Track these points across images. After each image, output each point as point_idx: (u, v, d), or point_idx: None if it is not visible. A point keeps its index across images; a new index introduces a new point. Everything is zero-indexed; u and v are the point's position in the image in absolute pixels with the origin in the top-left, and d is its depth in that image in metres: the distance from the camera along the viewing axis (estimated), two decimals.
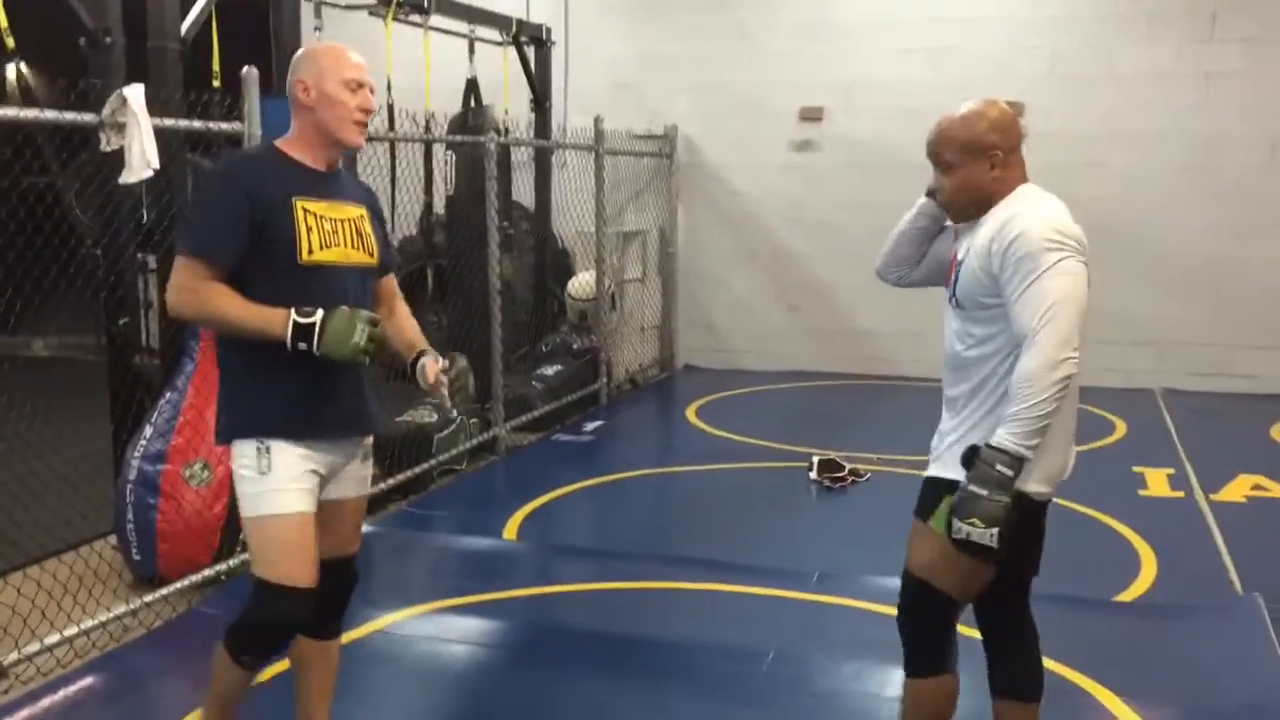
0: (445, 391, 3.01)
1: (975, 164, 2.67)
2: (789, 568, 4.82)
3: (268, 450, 2.75)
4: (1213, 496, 5.89)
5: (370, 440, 3.03)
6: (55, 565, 4.43)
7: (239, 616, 2.88)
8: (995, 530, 2.46)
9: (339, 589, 2.99)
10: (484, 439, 6.77)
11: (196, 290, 2.73)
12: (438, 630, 4.15)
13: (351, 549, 3.03)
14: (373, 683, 3.71)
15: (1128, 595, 4.56)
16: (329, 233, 2.83)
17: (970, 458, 2.56)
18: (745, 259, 9.76)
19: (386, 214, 3.60)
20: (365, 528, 4.79)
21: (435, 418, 6.23)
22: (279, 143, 2.92)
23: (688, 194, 9.82)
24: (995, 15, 8.94)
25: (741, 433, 7.39)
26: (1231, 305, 8.67)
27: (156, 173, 4.13)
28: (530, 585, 4.63)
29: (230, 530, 4.69)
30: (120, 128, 3.99)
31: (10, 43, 4.52)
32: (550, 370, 7.91)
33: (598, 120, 8.32)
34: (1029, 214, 2.58)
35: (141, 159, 3.99)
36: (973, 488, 2.49)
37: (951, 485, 2.61)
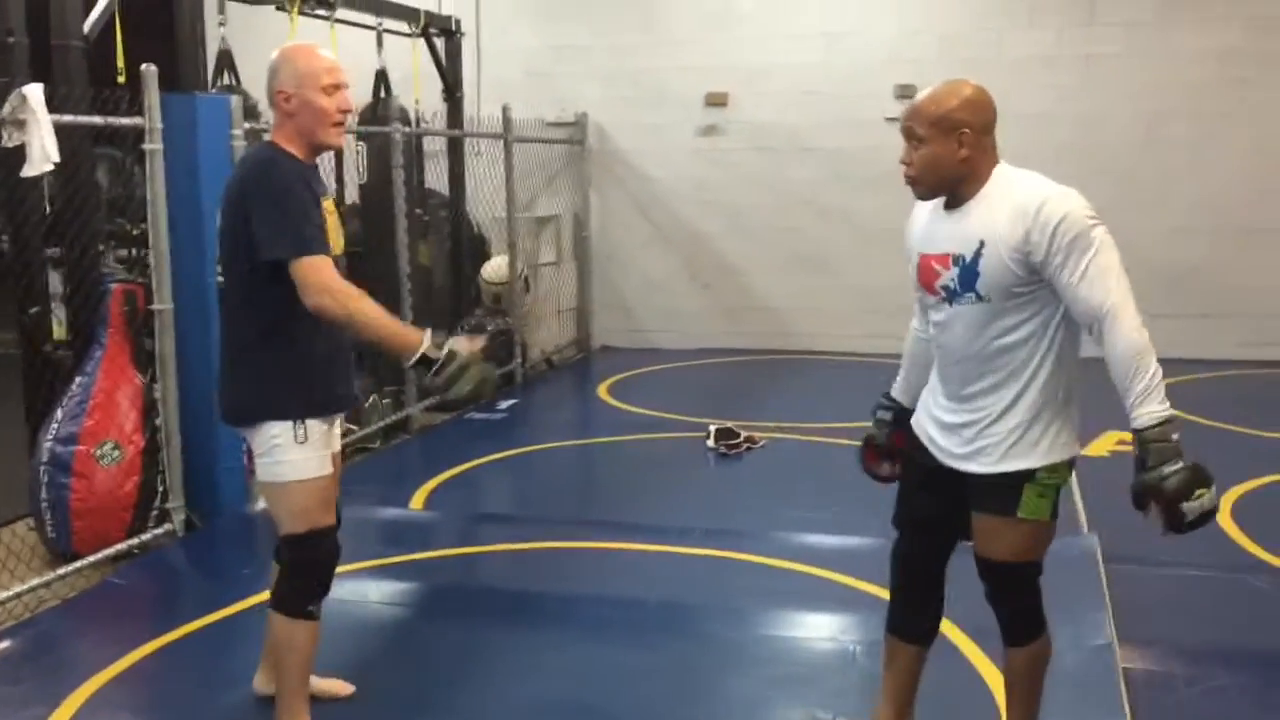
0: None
1: (944, 141, 2.59)
2: (679, 524, 5.14)
3: (303, 423, 3.04)
4: (1081, 452, 6.27)
5: None
6: None
7: (288, 580, 3.12)
8: (1214, 489, 2.42)
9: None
10: (396, 418, 7.02)
11: (337, 288, 2.88)
12: (346, 593, 4.41)
13: (334, 515, 3.24)
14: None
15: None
16: (331, 228, 3.06)
17: (1143, 454, 2.44)
18: (657, 241, 10.07)
19: None
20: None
21: None
22: (279, 144, 3.06)
23: (600, 179, 10.10)
24: (888, 1, 9.30)
25: (650, 407, 7.70)
26: None
27: (59, 166, 4.34)
28: (430, 549, 4.91)
29: (141, 507, 4.93)
30: (21, 124, 4.20)
31: None
32: None
33: (505, 109, 8.58)
34: (1057, 195, 2.54)
35: (42, 153, 4.20)
36: (1168, 468, 2.39)
37: (1030, 475, 2.64)
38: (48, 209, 4.71)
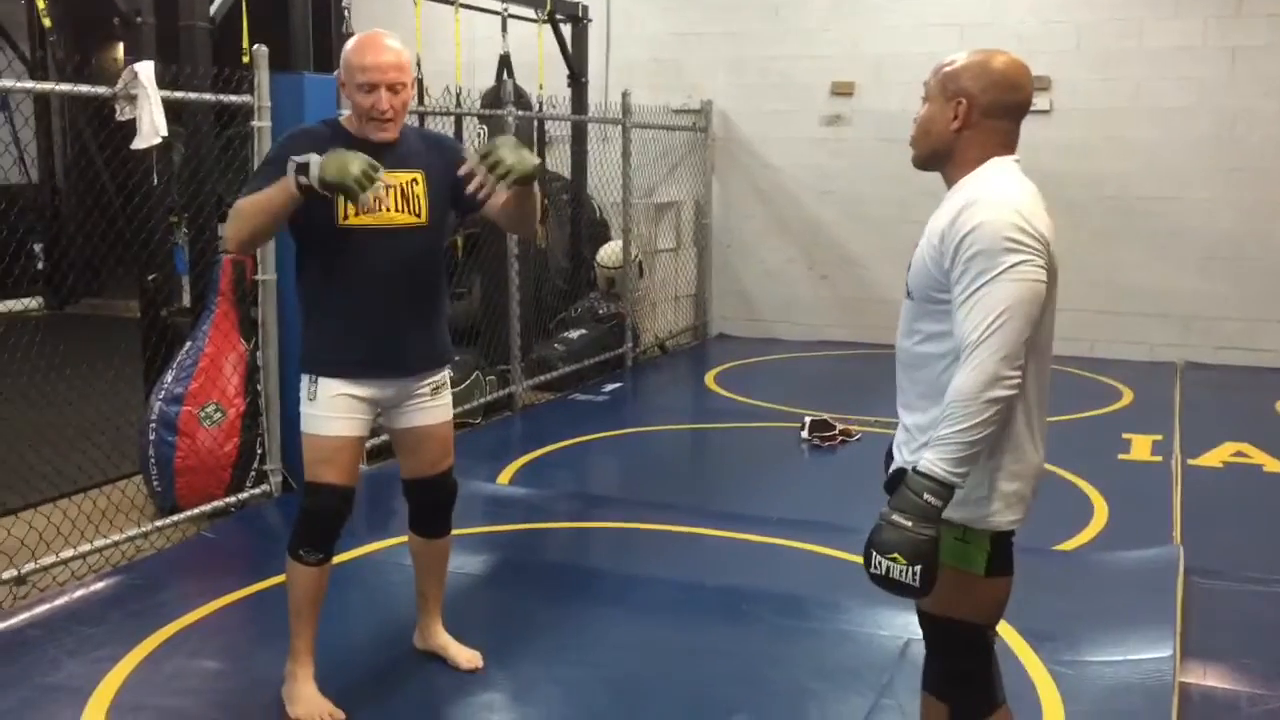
0: (485, 179, 3.07)
1: (942, 104, 2.33)
2: (758, 513, 5.13)
3: (316, 382, 3.24)
4: (1190, 461, 6.05)
5: (437, 377, 3.41)
6: (84, 498, 4.91)
7: (293, 524, 3.34)
8: (919, 567, 2.15)
9: (438, 499, 3.53)
10: (500, 396, 7.18)
11: (232, 213, 3.07)
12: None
13: (441, 467, 3.46)
14: (352, 603, 4.11)
15: (1066, 545, 4.79)
16: (394, 197, 3.16)
17: (895, 482, 2.28)
18: (777, 230, 10.02)
19: None
20: (369, 468, 5.28)
21: (450, 374, 6.65)
22: (342, 119, 3.27)
23: (723, 167, 10.10)
24: None
25: (755, 397, 7.69)
26: (1254, 280, 8.70)
27: (169, 140, 4.59)
28: (507, 523, 5.02)
29: (240, 467, 5.18)
30: (133, 99, 4.45)
31: (48, 22, 5.00)
32: (574, 334, 8.30)
33: (625, 95, 8.65)
34: (992, 202, 2.21)
35: (151, 127, 4.45)
36: (895, 517, 2.17)
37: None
38: (155, 180, 4.97)
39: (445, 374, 3.48)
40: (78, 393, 6.22)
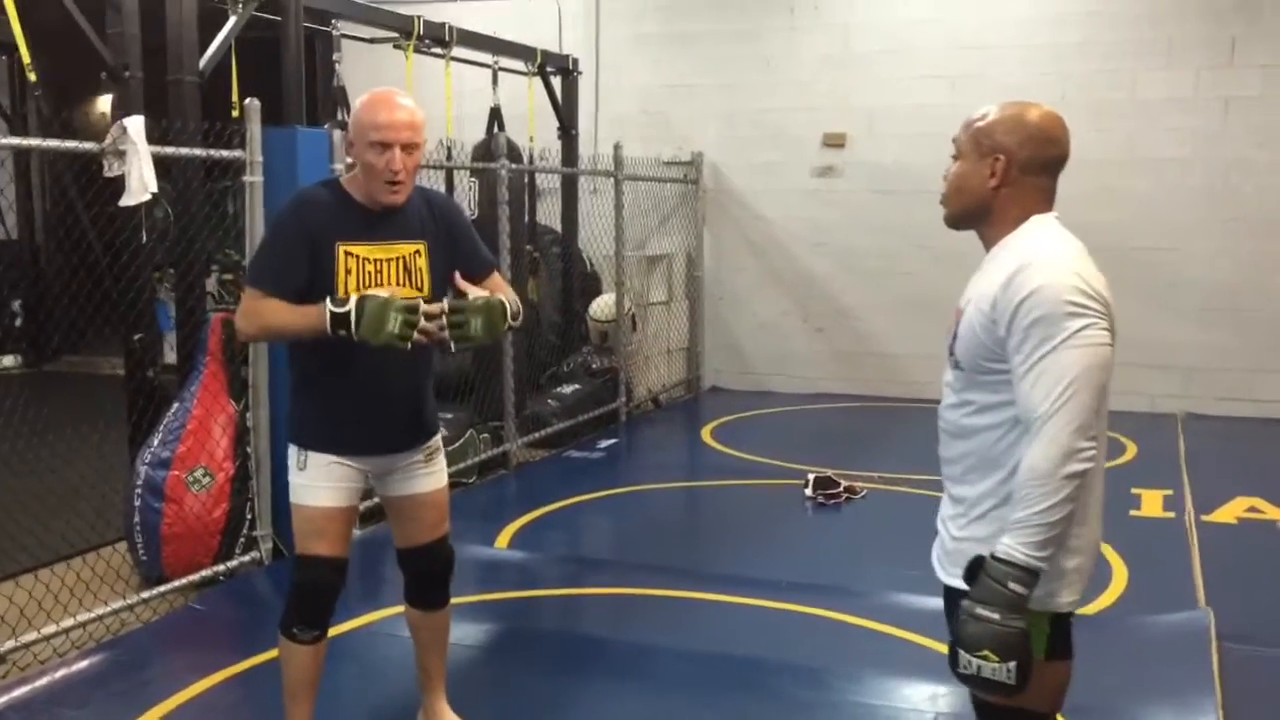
0: (441, 328, 2.98)
1: (977, 161, 2.23)
2: (766, 576, 4.96)
3: (305, 453, 3.11)
4: (1204, 517, 5.92)
5: (430, 443, 3.27)
6: (66, 568, 4.70)
7: (286, 600, 3.20)
8: (1014, 664, 2.00)
9: (434, 568, 3.35)
10: (494, 454, 7.01)
11: (254, 310, 3.01)
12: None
13: (438, 534, 3.30)
14: (346, 678, 3.92)
15: (1089, 610, 4.63)
16: (370, 274, 3.03)
17: (974, 571, 2.10)
18: (771, 282, 9.92)
19: None
20: (361, 533, 5.10)
21: (444, 432, 6.48)
22: (344, 180, 3.14)
23: (714, 219, 10.01)
24: (1014, 43, 9.02)
25: (753, 452, 7.53)
26: (1253, 330, 8.63)
27: (158, 195, 4.45)
28: (508, 590, 4.84)
29: (230, 534, 4.98)
30: (121, 155, 4.31)
31: (33, 77, 4.87)
32: (568, 389, 8.14)
33: (616, 147, 8.57)
34: (1047, 263, 2.10)
35: (140, 183, 4.30)
36: (980, 610, 2.02)
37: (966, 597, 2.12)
38: (144, 238, 4.82)
39: (439, 438, 3.33)
40: (59, 456, 6.03)
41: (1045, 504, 2.02)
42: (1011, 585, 2.02)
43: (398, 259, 3.08)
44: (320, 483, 3.10)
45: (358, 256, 3.03)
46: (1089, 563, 2.21)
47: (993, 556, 2.06)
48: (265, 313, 2.99)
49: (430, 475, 3.28)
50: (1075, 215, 2.41)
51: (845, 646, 4.26)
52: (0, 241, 11.08)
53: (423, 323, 2.92)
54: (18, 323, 10.98)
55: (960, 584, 2.17)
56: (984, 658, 2.01)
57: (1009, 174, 2.20)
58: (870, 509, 6.20)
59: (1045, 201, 2.25)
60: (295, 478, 3.14)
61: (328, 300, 2.91)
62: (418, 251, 3.12)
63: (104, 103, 5.04)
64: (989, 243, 2.29)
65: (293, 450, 3.15)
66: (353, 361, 3.04)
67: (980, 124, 2.25)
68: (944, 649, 2.17)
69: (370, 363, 3.05)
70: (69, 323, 9.05)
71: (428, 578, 3.38)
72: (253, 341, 3.08)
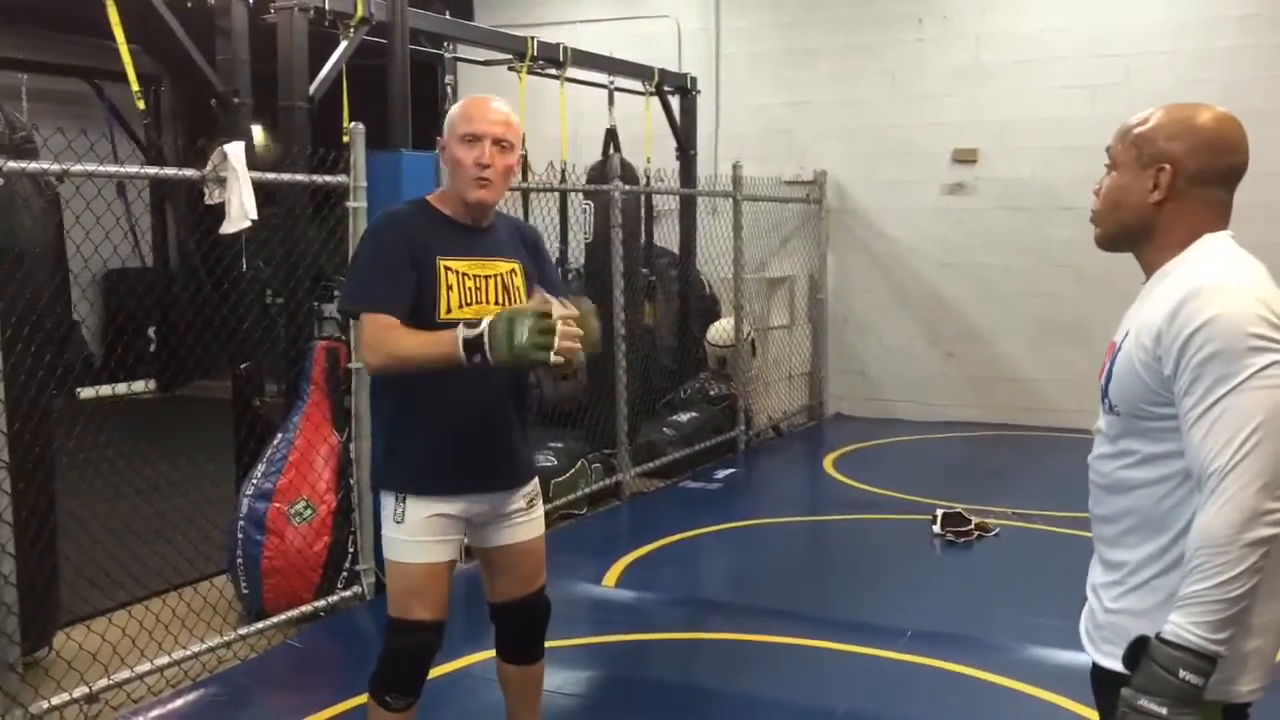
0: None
1: (1137, 172, 1.93)
2: (889, 623, 4.63)
3: (404, 501, 2.89)
4: None
5: (530, 488, 3.07)
6: (160, 603, 4.60)
7: (378, 658, 3.01)
8: None
9: (530, 623, 3.15)
10: (607, 484, 6.79)
11: (380, 338, 2.75)
12: None
13: (534, 586, 3.11)
14: None
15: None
16: (470, 290, 2.87)
17: (1136, 654, 1.79)
18: (898, 304, 9.53)
19: None
20: (467, 566, 4.93)
21: (554, 462, 6.32)
22: (430, 198, 2.98)
23: (838, 239, 9.67)
24: (1162, 49, 8.50)
25: (877, 484, 7.16)
26: None
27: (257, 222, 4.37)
28: (610, 633, 4.60)
29: (331, 568, 4.86)
30: (222, 182, 4.23)
31: (141, 105, 4.86)
32: (684, 417, 7.89)
33: (735, 166, 8.32)
34: (1223, 289, 1.78)
35: (240, 211, 4.22)
36: (1144, 702, 1.73)
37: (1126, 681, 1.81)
38: (244, 266, 4.76)
39: (536, 484, 3.11)
40: (173, 484, 6.03)
41: (1223, 576, 1.71)
42: (1184, 674, 1.71)
43: (496, 277, 2.91)
44: (420, 537, 2.89)
45: (457, 272, 2.85)
46: (1272, 645, 1.87)
47: (1159, 638, 1.75)
48: (393, 340, 2.74)
49: (529, 523, 3.08)
50: (1253, 234, 2.07)
51: (977, 708, 3.90)
52: (136, 269, 11.37)
53: (561, 327, 2.62)
54: (151, 348, 11.23)
55: (1116, 665, 1.86)
56: None
57: (1175, 186, 1.90)
58: (1004, 548, 5.79)
59: (1219, 219, 1.94)
60: (392, 531, 2.92)
61: (460, 326, 2.67)
62: (513, 271, 2.95)
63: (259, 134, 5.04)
64: (1150, 266, 1.99)
65: (388, 500, 2.93)
66: (453, 389, 2.84)
67: (1141, 129, 1.95)
68: (1091, 714, 1.85)
69: (471, 390, 2.85)
70: (200, 349, 9.26)
71: (525, 634, 3.17)
72: (383, 374, 2.80)
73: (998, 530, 5.98)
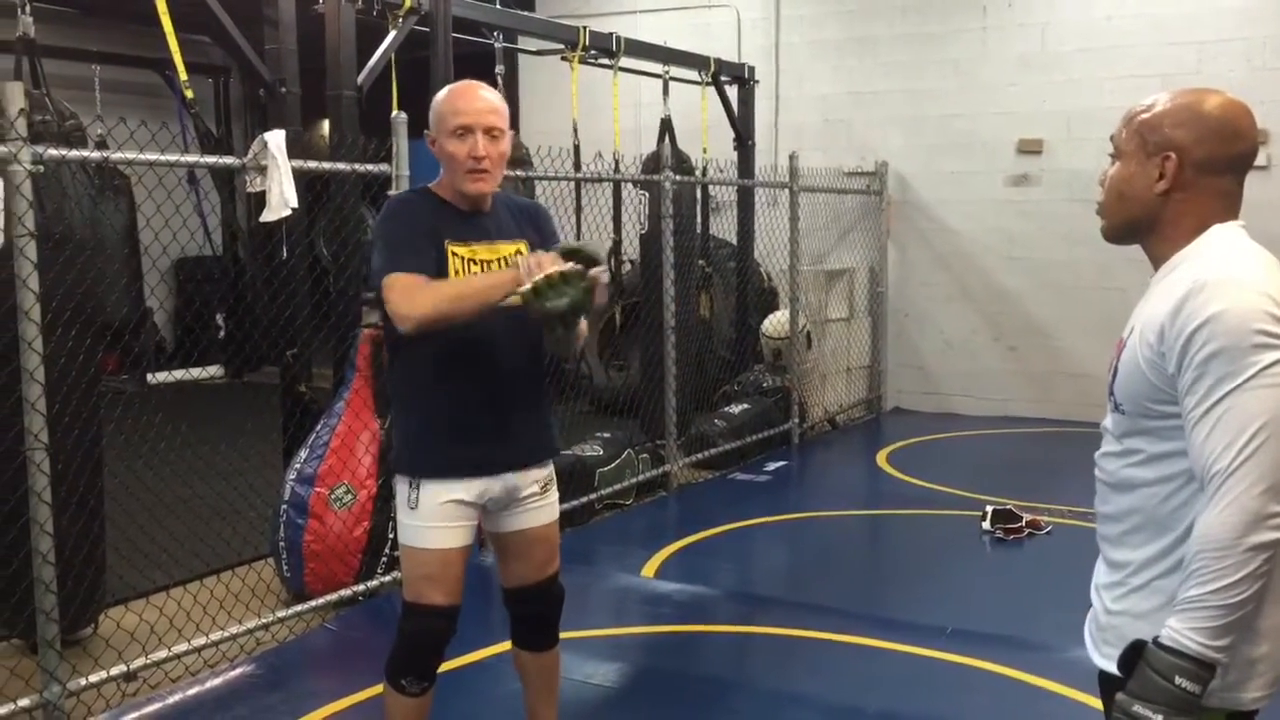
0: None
1: (1141, 160, 1.86)
2: (929, 620, 4.55)
3: (417, 487, 2.90)
4: None
5: (544, 472, 3.07)
6: (200, 586, 4.69)
7: (393, 642, 3.02)
8: None
9: (543, 609, 3.16)
10: (654, 474, 6.77)
11: (413, 286, 2.73)
12: None
13: (548, 572, 3.12)
14: (467, 712, 3.75)
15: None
16: (476, 274, 2.88)
17: (1132, 659, 1.75)
18: (959, 298, 9.37)
19: None
20: (479, 558, 4.94)
21: (599, 452, 6.32)
22: (432, 186, 3.01)
23: (899, 231, 9.53)
24: (1235, 36, 8.24)
25: (930, 479, 7.06)
26: None
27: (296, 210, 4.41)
28: (644, 624, 4.58)
29: (371, 553, 4.91)
30: (263, 170, 4.28)
31: (189, 93, 4.94)
32: (737, 408, 7.84)
33: (792, 157, 8.24)
34: (1228, 283, 1.72)
35: (281, 199, 4.27)
36: (1139, 709, 1.68)
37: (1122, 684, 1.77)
38: (284, 253, 4.81)
39: (552, 470, 3.10)
40: (234, 466, 6.12)
41: (1224, 581, 1.65)
42: (1179, 681, 1.66)
43: (502, 259, 2.91)
44: (435, 523, 2.90)
45: (463, 257, 2.86)
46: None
47: (1156, 643, 1.70)
48: (431, 286, 2.72)
49: (542, 508, 3.07)
50: (1266, 226, 2.01)
51: (1014, 710, 3.81)
52: (207, 257, 11.60)
53: (591, 272, 2.68)
54: (220, 334, 11.46)
55: (1114, 669, 1.81)
56: None
57: (1181, 175, 1.83)
58: (1055, 547, 5.66)
59: (1227, 209, 1.86)
60: (406, 517, 2.93)
61: (520, 260, 2.71)
62: (519, 252, 2.94)
63: (325, 125, 5.12)
64: (1157, 260, 1.92)
65: (401, 485, 2.94)
66: (467, 364, 2.86)
67: (1145, 116, 1.88)
68: None
69: (488, 356, 2.87)
70: (257, 335, 9.42)
71: (538, 619, 3.17)
72: (421, 327, 2.74)
73: (1050, 528, 5.85)
